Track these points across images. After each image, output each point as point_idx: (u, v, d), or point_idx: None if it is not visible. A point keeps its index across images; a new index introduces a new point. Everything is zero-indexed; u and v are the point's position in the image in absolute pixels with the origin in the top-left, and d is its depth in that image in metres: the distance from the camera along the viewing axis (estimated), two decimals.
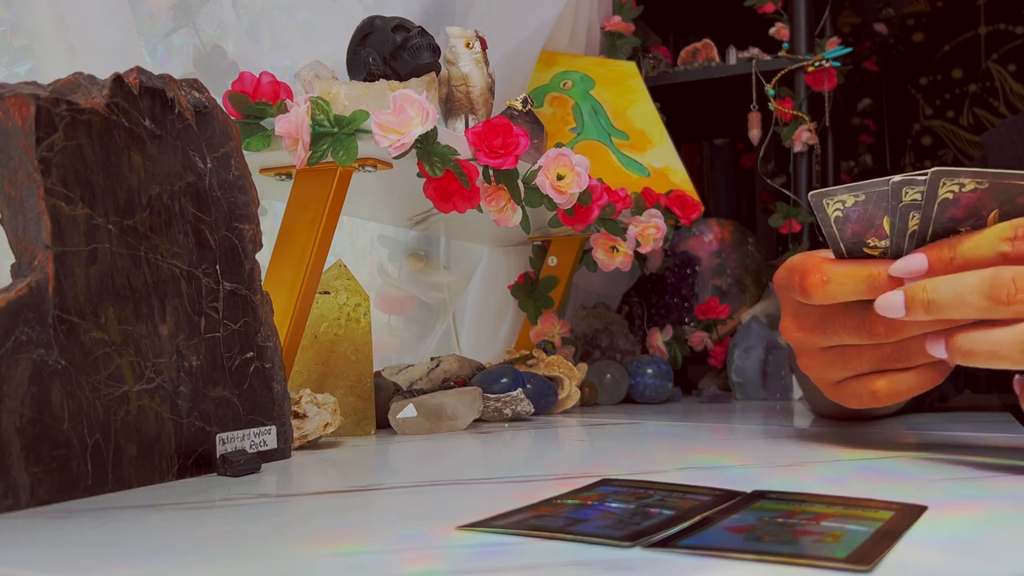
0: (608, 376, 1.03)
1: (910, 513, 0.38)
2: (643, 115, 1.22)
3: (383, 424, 0.76)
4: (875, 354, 0.55)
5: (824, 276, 0.53)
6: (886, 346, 0.54)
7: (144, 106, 0.50)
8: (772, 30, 1.29)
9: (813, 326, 0.57)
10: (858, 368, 0.57)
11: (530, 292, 1.11)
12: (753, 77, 1.27)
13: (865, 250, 0.53)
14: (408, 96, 0.66)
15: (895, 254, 0.52)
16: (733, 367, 1.13)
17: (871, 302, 0.53)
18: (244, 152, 0.59)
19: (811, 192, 0.53)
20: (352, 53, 0.76)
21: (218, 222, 0.54)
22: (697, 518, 0.37)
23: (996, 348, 0.48)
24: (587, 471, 0.51)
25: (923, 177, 0.50)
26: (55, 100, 0.45)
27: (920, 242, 0.52)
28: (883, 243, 0.52)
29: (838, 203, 0.52)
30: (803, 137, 1.25)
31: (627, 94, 1.24)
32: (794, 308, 0.58)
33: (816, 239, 1.27)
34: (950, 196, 0.51)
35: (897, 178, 0.50)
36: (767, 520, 0.37)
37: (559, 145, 0.93)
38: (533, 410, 0.83)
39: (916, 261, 0.51)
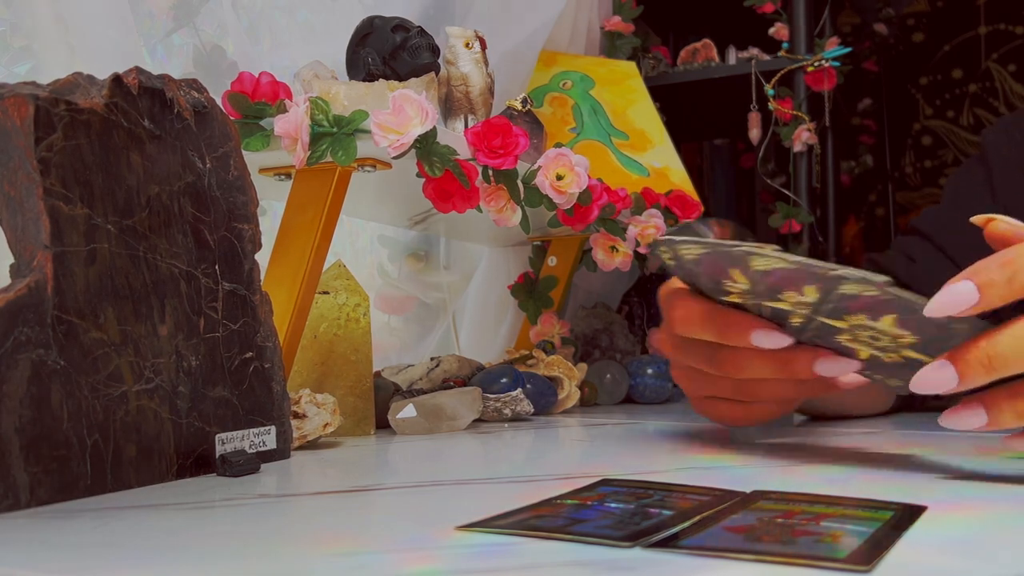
0: (608, 376, 1.03)
1: (910, 513, 0.38)
2: (643, 115, 1.22)
3: (383, 424, 0.76)
4: (727, 385, 0.58)
5: (687, 313, 0.55)
6: (734, 381, 0.57)
7: (143, 106, 0.50)
8: (772, 30, 1.29)
9: (675, 346, 0.60)
10: (716, 392, 0.60)
11: (530, 292, 1.11)
12: (753, 77, 1.27)
13: (725, 286, 0.52)
14: (407, 96, 0.66)
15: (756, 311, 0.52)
16: None
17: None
18: (243, 152, 0.59)
19: (658, 241, 0.53)
20: (351, 53, 0.76)
21: (217, 222, 0.54)
22: (697, 518, 0.37)
23: None
24: (587, 471, 0.51)
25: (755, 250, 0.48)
26: (54, 100, 0.45)
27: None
28: (739, 286, 0.51)
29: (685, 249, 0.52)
30: (803, 137, 1.25)
31: (627, 94, 1.24)
32: (664, 325, 0.61)
33: (816, 239, 1.27)
34: (694, 259, 0.51)
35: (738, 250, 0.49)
36: (767, 520, 0.37)
37: (559, 145, 0.93)
38: (533, 410, 0.83)
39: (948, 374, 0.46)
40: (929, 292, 0.66)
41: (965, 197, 0.86)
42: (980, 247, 0.83)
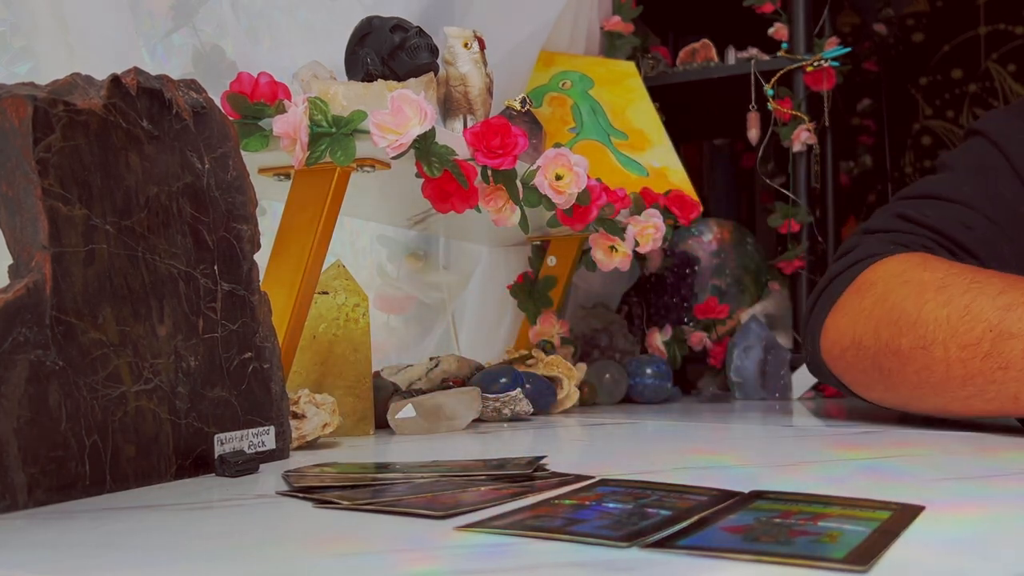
0: (607, 376, 1.03)
1: (908, 513, 0.38)
2: (642, 115, 1.22)
3: (382, 424, 0.76)
4: None
5: None
6: None
7: (142, 107, 0.50)
8: (771, 30, 1.29)
9: None
10: None
11: (529, 292, 1.11)
12: (752, 77, 1.27)
13: None
14: (406, 96, 0.66)
15: None
16: (732, 367, 1.13)
17: None
18: (242, 152, 0.59)
19: None
20: (350, 53, 0.76)
21: (216, 222, 0.54)
22: (695, 518, 0.37)
23: None
24: (585, 471, 0.51)
25: None
26: (52, 101, 0.45)
27: None
28: None
29: None
30: (802, 137, 1.25)
31: (626, 94, 1.24)
32: None
33: (815, 239, 1.27)
34: None
35: None
36: (764, 520, 0.37)
37: (558, 145, 0.93)
38: (532, 410, 0.83)
39: None
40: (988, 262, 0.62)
41: (991, 173, 0.78)
42: None
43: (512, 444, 0.67)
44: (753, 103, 1.27)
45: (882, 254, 0.76)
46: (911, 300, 0.67)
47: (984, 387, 0.62)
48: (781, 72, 1.26)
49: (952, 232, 0.75)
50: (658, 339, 1.20)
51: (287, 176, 0.73)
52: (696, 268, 1.29)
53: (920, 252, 0.74)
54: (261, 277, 0.58)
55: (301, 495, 0.45)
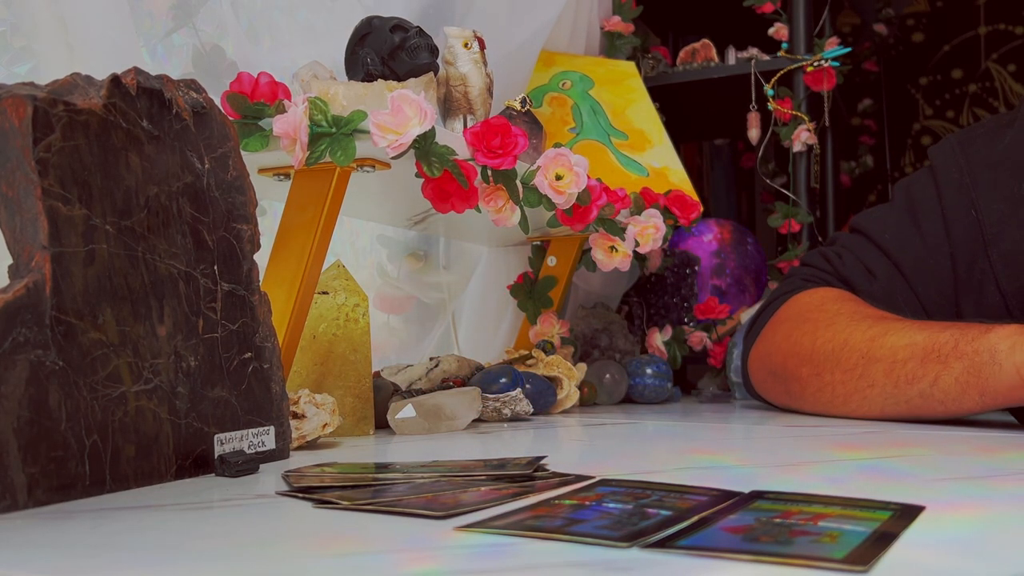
0: (607, 376, 1.03)
1: (908, 513, 0.38)
2: (642, 115, 1.22)
3: (382, 424, 0.76)
4: None
5: None
6: None
7: (142, 107, 0.50)
8: (771, 30, 1.29)
9: None
10: None
11: (529, 292, 1.11)
12: (752, 77, 1.27)
13: None
14: (406, 96, 0.66)
15: None
16: (732, 367, 1.13)
17: None
18: (242, 152, 0.59)
19: None
20: (350, 53, 0.76)
21: (216, 222, 0.54)
22: (695, 518, 0.37)
23: None
24: (585, 471, 0.51)
25: None
26: (52, 101, 0.45)
27: None
28: None
29: None
30: (802, 137, 1.25)
31: (626, 94, 1.24)
32: None
33: (815, 238, 1.27)
34: None
35: None
36: (765, 520, 0.37)
37: (558, 145, 0.93)
38: (532, 410, 0.83)
39: None
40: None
41: (921, 213, 0.88)
42: (934, 269, 0.84)
43: (512, 444, 0.67)
44: (753, 103, 1.27)
45: (795, 291, 0.92)
46: (807, 337, 0.84)
47: (860, 402, 0.79)
48: (781, 72, 1.26)
49: (855, 282, 0.89)
50: (658, 339, 1.20)
51: (287, 176, 0.73)
52: (696, 268, 1.29)
53: (824, 288, 0.90)
54: (261, 277, 0.58)
55: (301, 495, 0.45)
